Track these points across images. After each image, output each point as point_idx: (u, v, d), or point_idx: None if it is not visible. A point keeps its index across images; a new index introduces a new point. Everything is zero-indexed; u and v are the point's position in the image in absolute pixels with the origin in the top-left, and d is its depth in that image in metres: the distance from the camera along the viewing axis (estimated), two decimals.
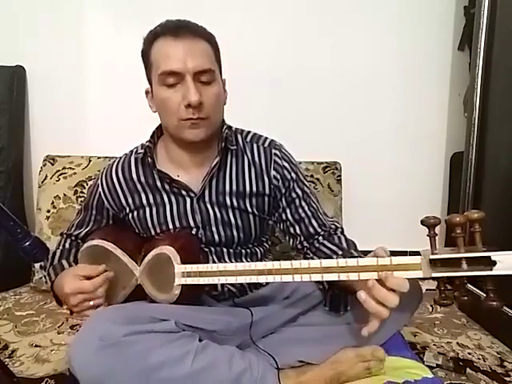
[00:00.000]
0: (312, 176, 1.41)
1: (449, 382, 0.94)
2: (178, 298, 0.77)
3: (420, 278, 0.63)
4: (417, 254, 0.62)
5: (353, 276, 0.66)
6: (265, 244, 0.99)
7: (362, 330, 0.68)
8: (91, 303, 0.79)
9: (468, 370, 1.00)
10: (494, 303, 0.58)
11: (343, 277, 0.66)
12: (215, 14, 1.45)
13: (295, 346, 0.83)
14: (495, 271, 0.57)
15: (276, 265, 0.70)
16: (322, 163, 1.45)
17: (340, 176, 1.45)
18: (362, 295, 0.66)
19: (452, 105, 1.58)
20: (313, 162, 1.44)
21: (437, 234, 0.61)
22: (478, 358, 1.06)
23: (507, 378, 0.97)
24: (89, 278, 0.80)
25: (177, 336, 0.72)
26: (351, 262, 0.66)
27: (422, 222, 0.61)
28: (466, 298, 0.60)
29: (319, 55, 1.55)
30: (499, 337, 1.17)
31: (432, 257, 0.60)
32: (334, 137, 1.58)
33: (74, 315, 0.83)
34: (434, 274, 0.60)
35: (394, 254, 0.65)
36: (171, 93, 0.79)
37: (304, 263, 0.68)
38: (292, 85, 1.56)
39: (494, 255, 0.57)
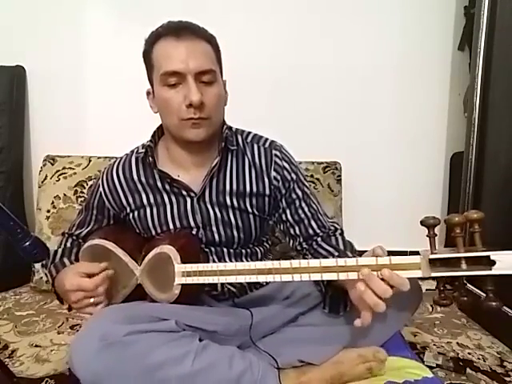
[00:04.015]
0: (312, 176, 1.41)
1: (449, 382, 0.94)
2: (177, 297, 0.77)
3: (419, 278, 0.63)
4: (417, 254, 0.62)
5: (352, 275, 0.65)
6: (265, 244, 0.99)
7: (355, 322, 0.68)
8: (91, 300, 0.80)
9: (468, 369, 1.00)
10: (494, 303, 0.58)
11: (342, 276, 0.66)
12: (216, 15, 1.45)
13: (295, 346, 0.83)
14: (494, 271, 0.57)
15: (275, 264, 0.70)
16: (322, 163, 1.45)
17: (340, 176, 1.45)
18: (361, 287, 0.65)
19: (452, 105, 1.58)
20: (313, 162, 1.44)
21: (436, 235, 0.61)
22: (478, 358, 1.06)
23: (507, 378, 0.97)
24: (90, 275, 0.81)
25: (177, 336, 0.72)
26: (350, 261, 0.66)
27: (422, 223, 0.61)
28: (465, 298, 0.60)
29: (319, 55, 1.55)
30: (499, 337, 1.17)
31: (431, 256, 0.60)
32: (334, 137, 1.58)
33: (72, 312, 0.83)
34: (434, 274, 0.61)
35: (393, 254, 0.65)
36: (173, 93, 0.79)
37: (303, 263, 0.68)
38: (292, 85, 1.56)
39: (493, 255, 0.57)
